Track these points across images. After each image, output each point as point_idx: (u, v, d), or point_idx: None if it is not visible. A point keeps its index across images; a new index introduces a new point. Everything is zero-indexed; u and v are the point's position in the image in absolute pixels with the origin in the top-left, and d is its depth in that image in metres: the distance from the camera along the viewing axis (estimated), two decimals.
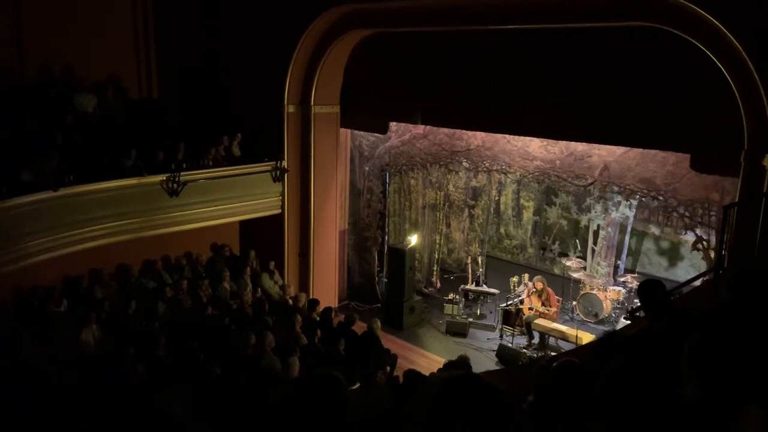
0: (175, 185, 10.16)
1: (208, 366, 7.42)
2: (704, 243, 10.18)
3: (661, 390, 2.66)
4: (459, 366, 6.65)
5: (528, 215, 16.05)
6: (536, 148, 11.65)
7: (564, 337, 10.89)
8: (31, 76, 10.43)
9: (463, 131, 12.37)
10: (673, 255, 14.37)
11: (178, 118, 11.39)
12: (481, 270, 13.66)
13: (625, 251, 14.21)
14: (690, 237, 11.13)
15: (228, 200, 11.07)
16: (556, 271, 14.67)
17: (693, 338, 2.64)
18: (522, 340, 11.52)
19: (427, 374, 6.19)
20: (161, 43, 12.22)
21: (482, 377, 1.87)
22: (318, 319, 10.05)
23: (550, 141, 11.38)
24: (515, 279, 12.90)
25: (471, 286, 13.28)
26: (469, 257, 14.07)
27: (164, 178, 10.12)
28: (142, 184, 9.94)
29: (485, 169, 12.64)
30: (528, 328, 11.40)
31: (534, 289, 11.72)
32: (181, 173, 10.19)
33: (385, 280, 13.42)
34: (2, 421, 4.79)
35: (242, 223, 12.17)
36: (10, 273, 8.46)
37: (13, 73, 10.17)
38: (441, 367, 7.76)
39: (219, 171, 10.91)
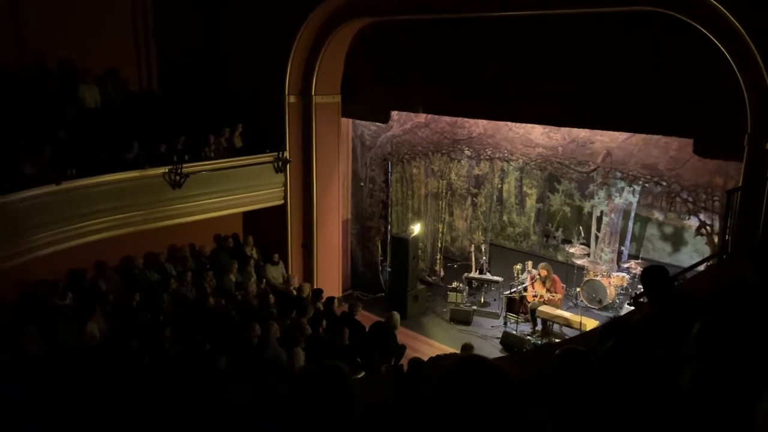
0: (178, 177, 10.16)
1: (213, 357, 7.44)
2: (708, 228, 10.14)
3: (660, 375, 2.64)
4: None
5: (531, 203, 16.02)
6: (538, 135, 11.61)
7: (568, 323, 10.89)
8: (31, 70, 10.42)
9: (465, 119, 12.32)
10: (676, 240, 14.34)
11: (179, 109, 11.37)
12: (484, 258, 13.66)
13: (629, 237, 14.19)
14: (694, 222, 11.09)
15: (230, 191, 11.08)
16: (560, 258, 14.65)
17: (703, 321, 2.60)
18: (526, 328, 11.54)
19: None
20: (161, 34, 12.18)
21: (489, 360, 1.87)
22: (322, 309, 10.06)
23: (552, 128, 11.33)
24: (519, 267, 12.89)
25: (474, 274, 13.29)
26: (473, 245, 14.07)
27: (166, 170, 10.13)
28: (145, 177, 9.94)
29: (487, 157, 12.59)
30: (532, 315, 11.41)
31: (538, 276, 11.72)
32: (183, 165, 10.19)
33: (389, 269, 13.43)
34: (5, 416, 4.82)
35: (245, 214, 12.18)
36: (15, 267, 8.50)
37: (12, 67, 10.15)
38: (435, 356, 7.79)
39: (221, 162, 10.91)
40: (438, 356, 8.46)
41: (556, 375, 2.82)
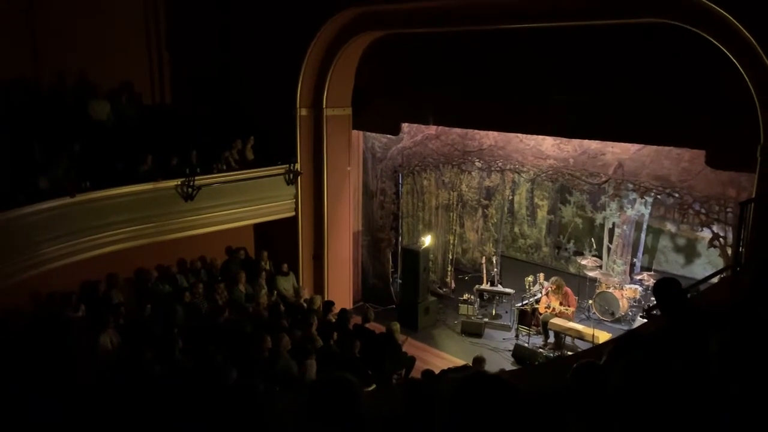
0: (190, 190, 10.25)
1: (224, 368, 7.44)
2: (721, 240, 10.07)
3: (679, 390, 2.61)
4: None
5: (542, 214, 15.96)
6: (549, 146, 11.60)
7: (581, 336, 10.81)
8: (46, 85, 10.56)
9: (476, 131, 12.34)
10: (689, 252, 14.23)
11: (191, 122, 11.47)
12: (495, 270, 13.61)
13: (641, 249, 14.09)
14: (707, 234, 11.01)
15: (242, 204, 11.15)
16: (572, 270, 14.57)
17: (722, 335, 2.58)
18: (538, 340, 11.47)
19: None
20: (174, 48, 12.32)
21: (498, 375, 1.87)
22: (334, 321, 10.06)
23: (563, 139, 11.31)
24: (530, 278, 12.83)
25: (486, 286, 13.23)
26: (484, 257, 14.02)
27: (179, 182, 10.21)
28: (157, 189, 10.03)
29: (498, 168, 12.59)
30: (544, 328, 11.34)
31: (551, 290, 11.65)
32: (196, 178, 10.27)
33: (400, 281, 13.40)
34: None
35: (256, 226, 12.23)
36: (29, 279, 8.58)
37: (28, 83, 10.29)
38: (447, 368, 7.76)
39: (233, 175, 10.98)
40: (449, 369, 8.42)
41: (572, 388, 2.81)
